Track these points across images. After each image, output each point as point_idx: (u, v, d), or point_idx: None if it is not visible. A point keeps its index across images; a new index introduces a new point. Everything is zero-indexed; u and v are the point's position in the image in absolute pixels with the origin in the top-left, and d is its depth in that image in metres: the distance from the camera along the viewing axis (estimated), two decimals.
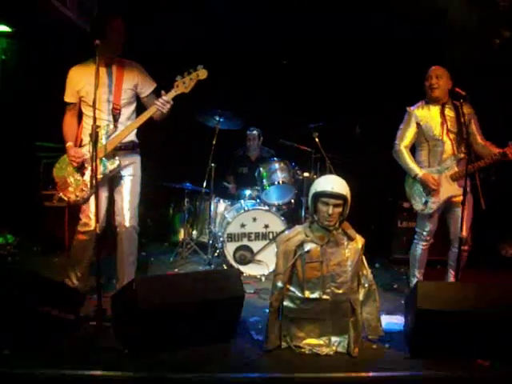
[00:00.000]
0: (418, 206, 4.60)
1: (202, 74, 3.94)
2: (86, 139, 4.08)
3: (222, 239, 5.58)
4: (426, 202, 4.53)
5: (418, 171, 4.51)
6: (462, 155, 4.41)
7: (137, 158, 4.27)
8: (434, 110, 4.53)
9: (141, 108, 4.23)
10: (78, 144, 4.13)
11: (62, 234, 4.38)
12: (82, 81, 4.03)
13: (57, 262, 5.23)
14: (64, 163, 4.12)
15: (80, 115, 4.20)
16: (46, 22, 5.41)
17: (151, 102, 4.17)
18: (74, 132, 4.15)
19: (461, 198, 4.14)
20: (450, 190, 4.47)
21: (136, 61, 4.25)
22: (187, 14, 6.28)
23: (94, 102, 3.60)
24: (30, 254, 5.75)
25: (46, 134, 4.02)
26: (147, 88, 4.22)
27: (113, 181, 4.17)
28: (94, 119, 3.60)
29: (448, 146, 4.48)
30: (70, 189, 4.05)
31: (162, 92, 3.96)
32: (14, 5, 5.21)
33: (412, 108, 4.62)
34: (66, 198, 4.08)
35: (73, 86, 4.08)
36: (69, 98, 4.13)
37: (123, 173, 4.16)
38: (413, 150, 4.69)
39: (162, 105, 3.92)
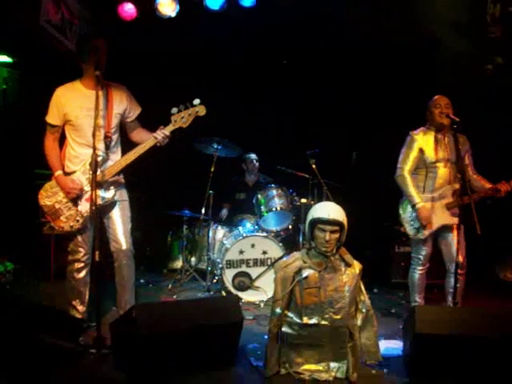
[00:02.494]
0: (410, 231, 4.66)
1: (201, 110, 3.96)
2: (75, 167, 3.97)
3: (220, 266, 5.59)
4: (418, 228, 4.58)
5: (419, 201, 4.52)
6: (458, 186, 4.47)
7: (123, 183, 4.19)
8: (436, 137, 4.60)
9: (122, 132, 4.19)
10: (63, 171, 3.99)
11: (61, 261, 4.37)
12: (70, 103, 3.90)
13: (57, 289, 5.23)
14: (50, 191, 3.96)
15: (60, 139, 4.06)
16: (46, 53, 5.51)
17: (135, 127, 4.19)
18: (58, 158, 3.99)
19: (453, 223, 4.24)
20: (443, 218, 4.53)
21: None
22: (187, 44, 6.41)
23: (94, 130, 3.62)
24: (29, 282, 5.74)
25: (46, 161, 3.99)
26: (134, 112, 4.18)
27: (103, 208, 4.02)
28: (94, 148, 3.61)
29: (445, 174, 4.54)
30: (63, 218, 3.92)
31: (161, 127, 3.95)
32: (16, 36, 5.31)
33: (415, 132, 4.69)
34: (57, 228, 3.94)
35: (60, 108, 3.91)
36: (53, 119, 3.95)
37: (114, 198, 4.07)
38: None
39: (163, 139, 3.92)
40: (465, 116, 4.33)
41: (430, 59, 6.14)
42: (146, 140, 3.99)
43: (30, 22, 4.91)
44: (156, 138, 3.93)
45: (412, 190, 4.58)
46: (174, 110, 3.94)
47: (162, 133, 3.93)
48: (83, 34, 5.53)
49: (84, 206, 3.93)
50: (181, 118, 3.94)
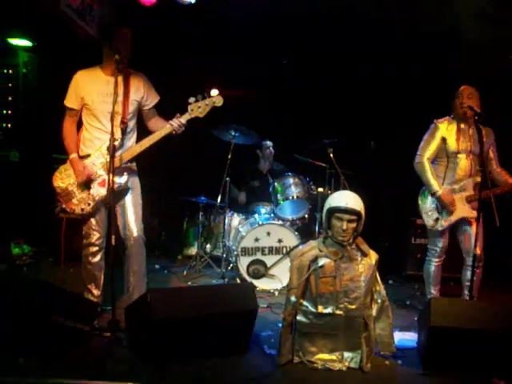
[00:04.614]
0: (428, 222, 4.62)
1: (219, 101, 3.94)
2: (88, 151, 4.01)
3: (235, 253, 5.60)
4: (437, 219, 4.54)
5: (438, 189, 4.50)
6: (479, 179, 4.38)
7: (135, 171, 4.22)
8: (459, 127, 4.54)
9: (139, 120, 4.20)
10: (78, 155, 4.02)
11: (77, 244, 4.41)
12: (87, 87, 3.95)
13: (72, 272, 5.27)
14: (65, 173, 4.01)
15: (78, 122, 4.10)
16: (66, 37, 5.52)
17: (152, 115, 4.20)
18: (75, 141, 4.04)
19: (472, 216, 4.20)
20: (463, 211, 4.48)
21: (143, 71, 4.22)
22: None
23: (113, 115, 3.64)
24: (46, 265, 5.80)
25: (63, 145, 4.03)
26: (151, 100, 4.19)
27: (116, 194, 3.99)
28: (112, 133, 3.63)
29: (466, 166, 4.50)
30: (74, 201, 3.97)
31: (177, 115, 3.95)
32: (37, 21, 5.33)
33: (440, 120, 4.63)
34: (69, 210, 3.98)
35: (78, 92, 3.96)
36: (71, 103, 4.00)
37: (128, 184, 4.08)
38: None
39: (178, 127, 3.92)
40: (488, 108, 4.28)
41: (452, 48, 6.05)
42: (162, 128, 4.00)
43: (50, 6, 4.92)
44: (172, 126, 3.93)
45: (431, 177, 4.54)
46: (192, 99, 3.94)
47: (179, 121, 3.93)
48: (106, 20, 5.56)
49: (96, 190, 3.95)
50: (197, 108, 3.94)
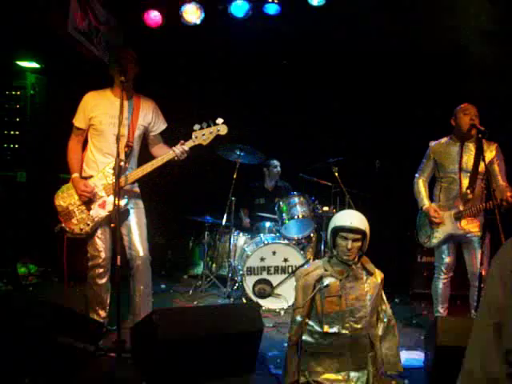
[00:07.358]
0: (421, 238, 4.72)
1: (223, 129, 3.99)
2: (90, 172, 4.05)
3: (241, 272, 5.60)
4: (429, 236, 4.60)
5: (425, 203, 4.61)
6: (470, 196, 4.40)
7: (138, 190, 4.24)
8: (456, 146, 4.53)
9: (142, 144, 4.24)
10: (80, 175, 4.06)
11: (81, 264, 4.42)
12: (96, 108, 4.00)
13: (77, 292, 5.28)
14: (67, 193, 4.03)
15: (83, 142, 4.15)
16: (73, 59, 5.60)
17: (157, 141, 4.26)
18: (79, 161, 4.08)
19: (473, 235, 4.33)
20: (450, 227, 4.50)
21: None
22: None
23: (118, 138, 3.69)
24: (52, 284, 5.81)
25: (67, 164, 4.08)
26: (159, 127, 4.26)
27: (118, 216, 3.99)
28: (118, 153, 3.67)
29: (459, 183, 4.47)
30: (74, 221, 3.99)
31: (181, 141, 3.98)
32: (44, 43, 5.42)
33: (433, 143, 4.69)
34: (68, 229, 4.00)
35: (87, 112, 4.01)
36: (80, 122, 4.05)
37: (128, 206, 4.09)
38: (432, 183, 4.76)
39: (181, 154, 3.96)
40: (491, 125, 4.28)
41: (457, 67, 6.09)
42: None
43: (58, 29, 5.00)
44: (174, 152, 3.97)
45: (421, 193, 4.68)
46: (197, 126, 3.98)
47: (182, 148, 3.97)
48: (112, 42, 5.65)
49: (95, 211, 3.97)
50: (202, 135, 3.98)
